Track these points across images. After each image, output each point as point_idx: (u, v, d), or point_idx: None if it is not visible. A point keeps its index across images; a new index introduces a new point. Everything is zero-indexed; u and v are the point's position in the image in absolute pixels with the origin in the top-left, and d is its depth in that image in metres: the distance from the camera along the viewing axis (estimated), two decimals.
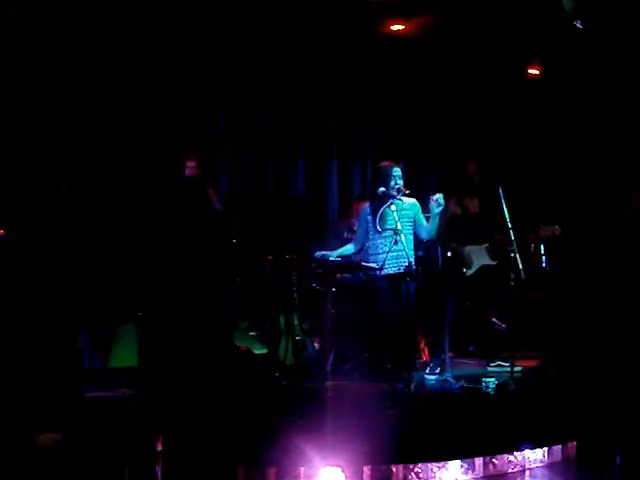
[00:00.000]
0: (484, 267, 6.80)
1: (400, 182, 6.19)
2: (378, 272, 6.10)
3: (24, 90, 6.76)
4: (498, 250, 6.71)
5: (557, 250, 7.19)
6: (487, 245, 6.83)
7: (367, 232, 6.30)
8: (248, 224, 7.19)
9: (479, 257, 6.84)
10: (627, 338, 6.48)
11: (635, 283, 6.79)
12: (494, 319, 7.07)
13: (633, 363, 6.11)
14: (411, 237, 6.21)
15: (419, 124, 8.65)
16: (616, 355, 6.32)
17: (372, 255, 6.32)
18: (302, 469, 4.43)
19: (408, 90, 8.38)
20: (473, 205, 6.96)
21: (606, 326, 6.70)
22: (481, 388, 5.98)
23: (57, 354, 6.28)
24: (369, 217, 6.29)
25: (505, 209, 6.28)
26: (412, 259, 5.98)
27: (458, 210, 6.90)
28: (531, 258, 7.16)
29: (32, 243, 6.72)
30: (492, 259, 6.81)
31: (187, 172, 6.80)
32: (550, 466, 4.96)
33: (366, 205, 6.39)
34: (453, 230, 6.81)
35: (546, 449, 4.99)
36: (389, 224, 6.09)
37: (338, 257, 6.38)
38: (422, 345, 7.29)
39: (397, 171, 6.22)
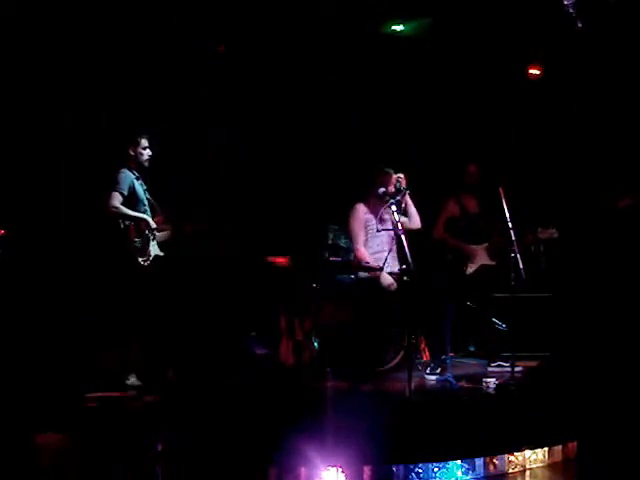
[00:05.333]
0: (483, 267, 6.81)
1: (401, 182, 6.22)
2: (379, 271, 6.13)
3: (26, 82, 6.78)
4: (497, 250, 6.71)
5: (556, 251, 7.19)
6: (486, 245, 6.84)
7: (364, 231, 6.33)
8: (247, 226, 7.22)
9: (478, 257, 6.85)
10: (627, 338, 6.49)
11: (630, 283, 6.81)
12: (494, 319, 7.07)
13: (633, 362, 6.11)
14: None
15: (419, 124, 8.63)
16: (616, 354, 6.33)
17: (372, 255, 6.33)
18: (303, 469, 4.43)
19: (408, 90, 8.37)
20: (472, 205, 6.96)
21: (605, 326, 6.70)
22: (481, 388, 5.99)
23: (58, 354, 6.30)
24: (366, 216, 6.32)
25: (505, 209, 6.28)
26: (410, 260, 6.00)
27: (457, 210, 6.91)
28: (531, 258, 7.16)
29: (33, 241, 6.73)
30: (491, 259, 6.81)
31: None
32: (550, 466, 4.95)
33: (360, 205, 6.42)
34: (452, 230, 6.82)
35: (546, 449, 4.98)
36: (389, 224, 6.10)
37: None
38: (422, 345, 7.29)
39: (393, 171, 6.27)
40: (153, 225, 6.20)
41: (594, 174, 7.59)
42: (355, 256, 6.51)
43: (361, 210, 6.46)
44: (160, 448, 4.63)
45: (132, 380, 6.08)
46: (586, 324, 6.88)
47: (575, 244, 7.26)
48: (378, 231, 6.20)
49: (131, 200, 6.14)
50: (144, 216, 6.17)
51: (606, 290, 6.97)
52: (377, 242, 6.45)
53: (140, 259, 6.07)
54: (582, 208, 7.51)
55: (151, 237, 6.16)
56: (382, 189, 6.16)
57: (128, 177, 6.14)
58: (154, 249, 6.19)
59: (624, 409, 5.34)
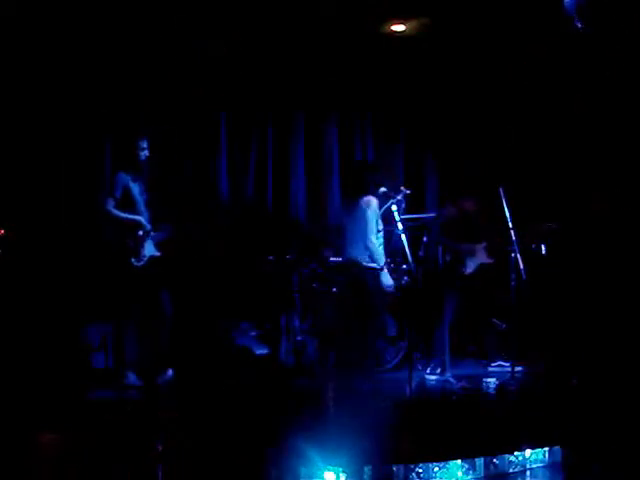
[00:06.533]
0: (482, 266, 6.81)
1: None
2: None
3: (26, 82, 6.78)
4: (496, 249, 6.71)
5: (556, 251, 7.20)
6: (484, 244, 6.84)
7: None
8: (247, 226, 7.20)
9: (476, 256, 6.85)
10: (625, 338, 6.49)
11: (629, 282, 6.81)
12: (494, 319, 7.07)
13: (631, 362, 6.12)
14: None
15: (419, 124, 8.64)
16: (615, 354, 6.33)
17: (372, 254, 6.30)
18: (303, 469, 4.43)
19: (408, 91, 8.37)
20: (469, 205, 6.96)
21: (604, 326, 6.70)
22: (481, 388, 6.00)
23: (58, 353, 6.30)
24: (378, 211, 6.14)
25: (505, 209, 6.28)
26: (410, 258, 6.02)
27: (454, 212, 6.91)
28: (531, 258, 7.18)
29: (35, 240, 6.73)
30: (489, 257, 6.81)
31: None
32: (551, 466, 4.95)
33: (374, 198, 6.13)
34: (450, 231, 6.82)
35: (547, 449, 4.98)
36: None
37: None
38: (422, 345, 7.30)
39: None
40: (148, 226, 6.23)
41: (594, 174, 7.59)
42: (367, 247, 6.08)
43: (376, 204, 6.19)
44: (160, 448, 4.64)
45: (132, 380, 6.08)
46: (585, 324, 6.88)
47: (575, 243, 7.26)
48: (378, 231, 6.19)
49: (126, 202, 6.18)
50: (138, 217, 6.20)
51: (605, 289, 6.97)
52: (379, 236, 6.36)
53: (133, 259, 6.12)
54: (582, 208, 7.51)
55: (146, 238, 6.20)
56: (383, 189, 6.15)
57: (122, 180, 6.19)
58: (149, 249, 6.21)
59: (622, 408, 5.34)
